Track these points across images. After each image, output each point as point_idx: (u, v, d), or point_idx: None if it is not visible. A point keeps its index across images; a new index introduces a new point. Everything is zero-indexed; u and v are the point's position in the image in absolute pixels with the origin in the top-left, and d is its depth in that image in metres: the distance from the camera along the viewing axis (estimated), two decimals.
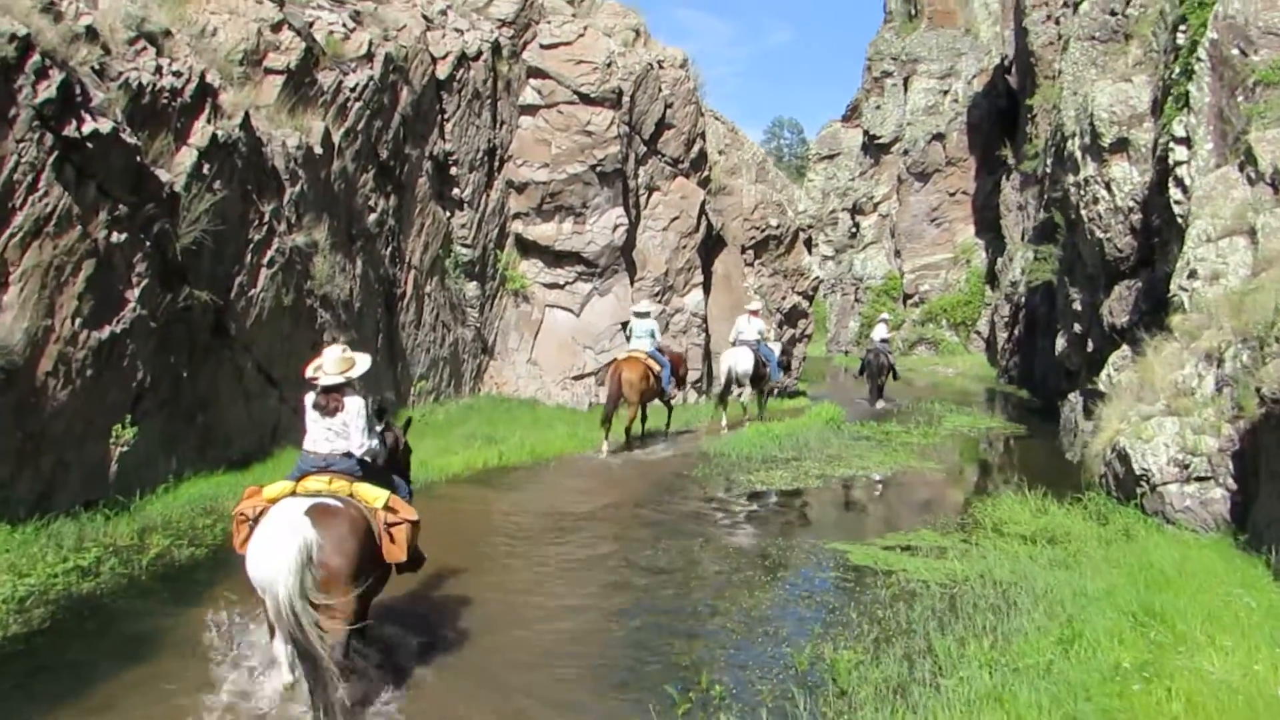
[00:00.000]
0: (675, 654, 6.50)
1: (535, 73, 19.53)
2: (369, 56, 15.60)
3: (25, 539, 8.02)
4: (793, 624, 7.15)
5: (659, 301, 20.61)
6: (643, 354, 15.65)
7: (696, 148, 21.61)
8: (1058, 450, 17.96)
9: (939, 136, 44.06)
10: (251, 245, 12.24)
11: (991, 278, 42.19)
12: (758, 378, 18.03)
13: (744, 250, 22.53)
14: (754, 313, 18.81)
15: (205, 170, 11.29)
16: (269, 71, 13.79)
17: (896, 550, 9.30)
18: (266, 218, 12.52)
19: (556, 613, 7.33)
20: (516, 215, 19.64)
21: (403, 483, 6.57)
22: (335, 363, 6.03)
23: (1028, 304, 31.82)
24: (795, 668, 6.17)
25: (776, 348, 19.58)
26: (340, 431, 5.87)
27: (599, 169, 19.17)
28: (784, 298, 22.97)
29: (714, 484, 12.84)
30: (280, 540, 5.01)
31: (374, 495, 5.76)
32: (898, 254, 45.71)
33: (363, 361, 6.26)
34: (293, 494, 5.63)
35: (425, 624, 6.63)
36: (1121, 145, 17.85)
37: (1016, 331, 33.21)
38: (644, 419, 16.34)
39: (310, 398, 6.03)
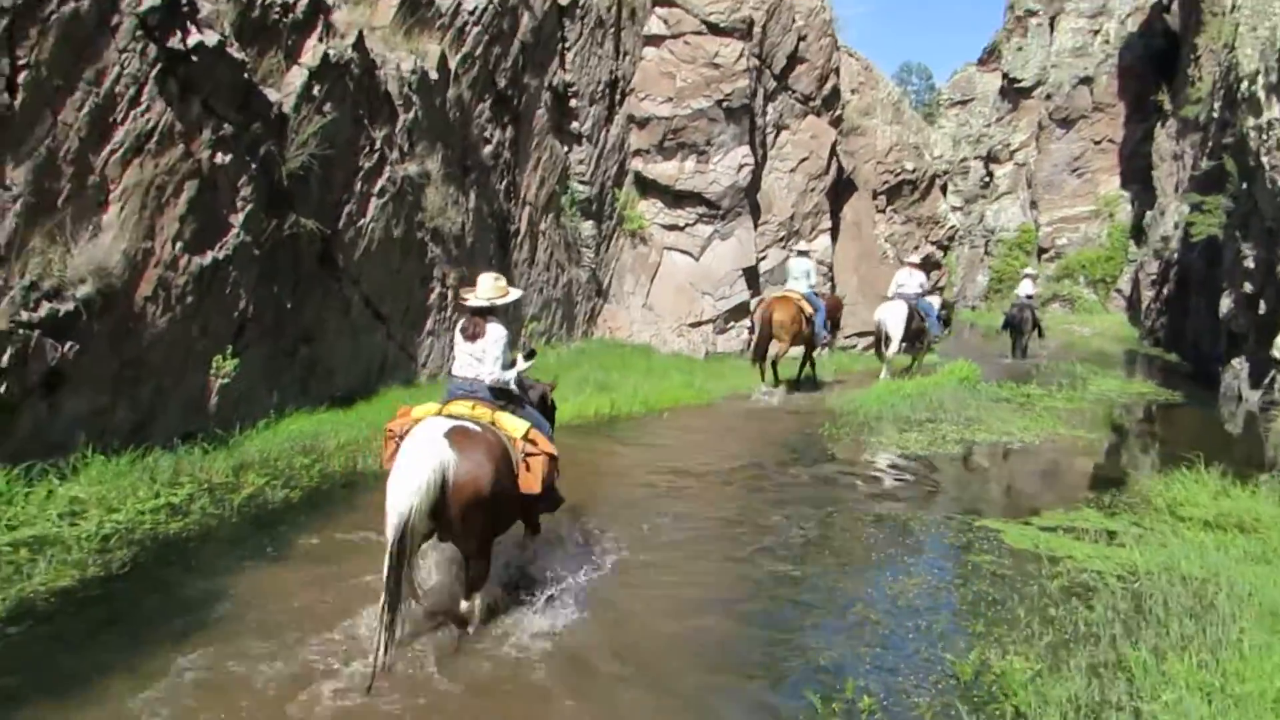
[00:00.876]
0: (812, 648, 5.62)
1: (662, 0, 18.44)
2: None
3: (119, 471, 7.61)
4: (947, 618, 6.18)
5: (783, 248, 19.50)
6: (797, 294, 15.13)
7: (830, 84, 20.26)
8: (1216, 420, 16.31)
9: (1086, 80, 41.13)
10: (361, 173, 11.64)
11: (1137, 233, 39.43)
12: (919, 333, 17.37)
13: (875, 195, 21.17)
14: (914, 265, 18.13)
15: (315, 91, 10.68)
16: None
17: (1058, 532, 8.18)
18: (378, 145, 11.90)
19: (675, 593, 6.51)
20: (637, 152, 18.71)
21: (546, 423, 6.47)
22: (488, 288, 5.98)
23: (1181, 261, 29.44)
24: (957, 676, 5.23)
25: (936, 301, 18.57)
26: (480, 357, 5.86)
27: (725, 104, 18.07)
28: (917, 247, 21.54)
29: (843, 444, 11.85)
30: (416, 458, 5.04)
31: (515, 425, 5.77)
32: (1034, 205, 43.17)
33: (514, 292, 6.30)
34: (437, 415, 5.66)
35: (520, 604, 5.85)
36: None
37: (1166, 291, 30.85)
38: (810, 362, 16.21)
39: (460, 323, 6.02)
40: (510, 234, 15.67)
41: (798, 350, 16.01)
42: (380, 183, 11.93)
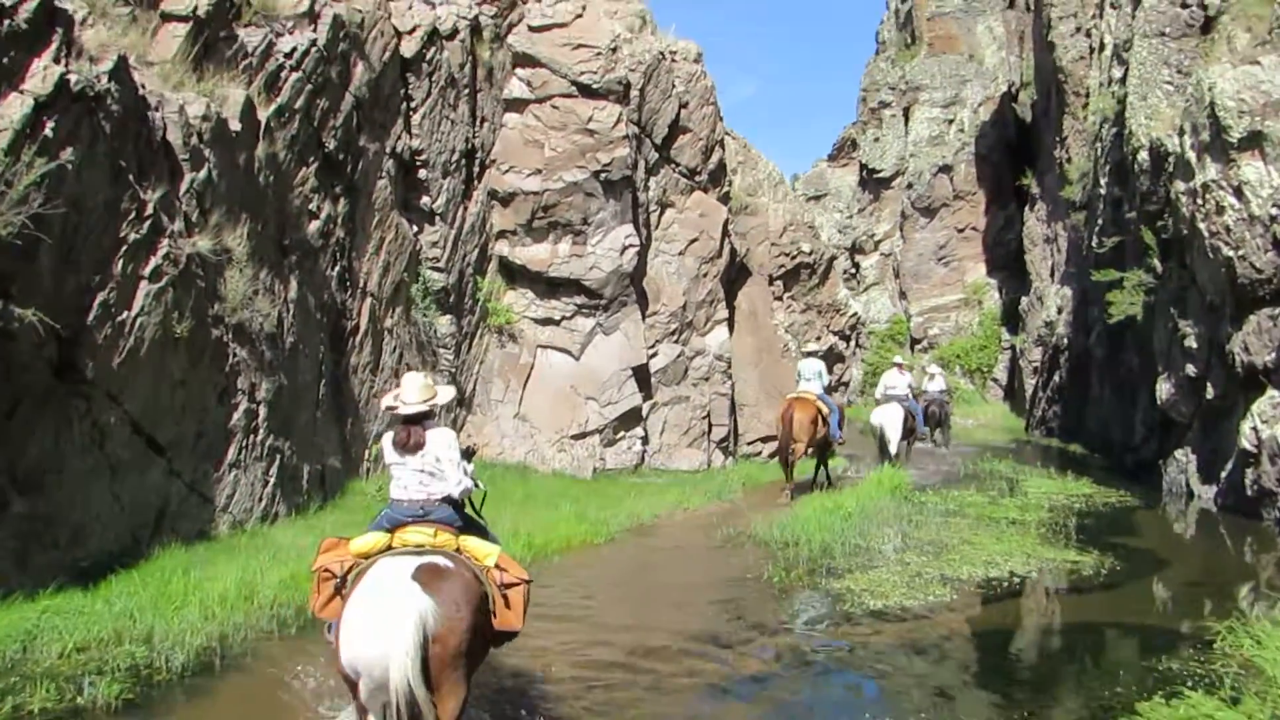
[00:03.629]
0: None
1: (524, 60, 15.84)
2: (312, 15, 11.82)
3: None
4: None
5: (676, 342, 16.77)
6: (812, 395, 14.83)
7: (715, 157, 17.96)
8: (1208, 530, 14.13)
9: (945, 169, 40.89)
10: (125, 248, 8.28)
11: (1008, 320, 38.86)
12: (910, 433, 17.58)
13: (772, 281, 18.83)
14: (899, 366, 18.43)
15: (48, 129, 7.38)
16: (168, 18, 9.94)
17: None
18: (150, 209, 8.58)
19: None
20: (501, 234, 15.78)
21: (496, 536, 5.57)
22: (417, 389, 5.15)
23: (1073, 347, 28.34)
24: None
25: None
26: (434, 471, 5.03)
27: (604, 176, 15.42)
28: (819, 337, 19.20)
29: (802, 598, 8.90)
30: (390, 611, 4.20)
31: (484, 551, 5.00)
32: (903, 295, 42.32)
33: (445, 392, 5.46)
34: (388, 548, 4.85)
35: None
36: (1254, 140, 14.37)
37: (1058, 378, 29.64)
38: (823, 465, 15.72)
39: (389, 437, 5.15)
40: (346, 331, 12.38)
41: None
42: (155, 261, 8.58)
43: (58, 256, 7.53)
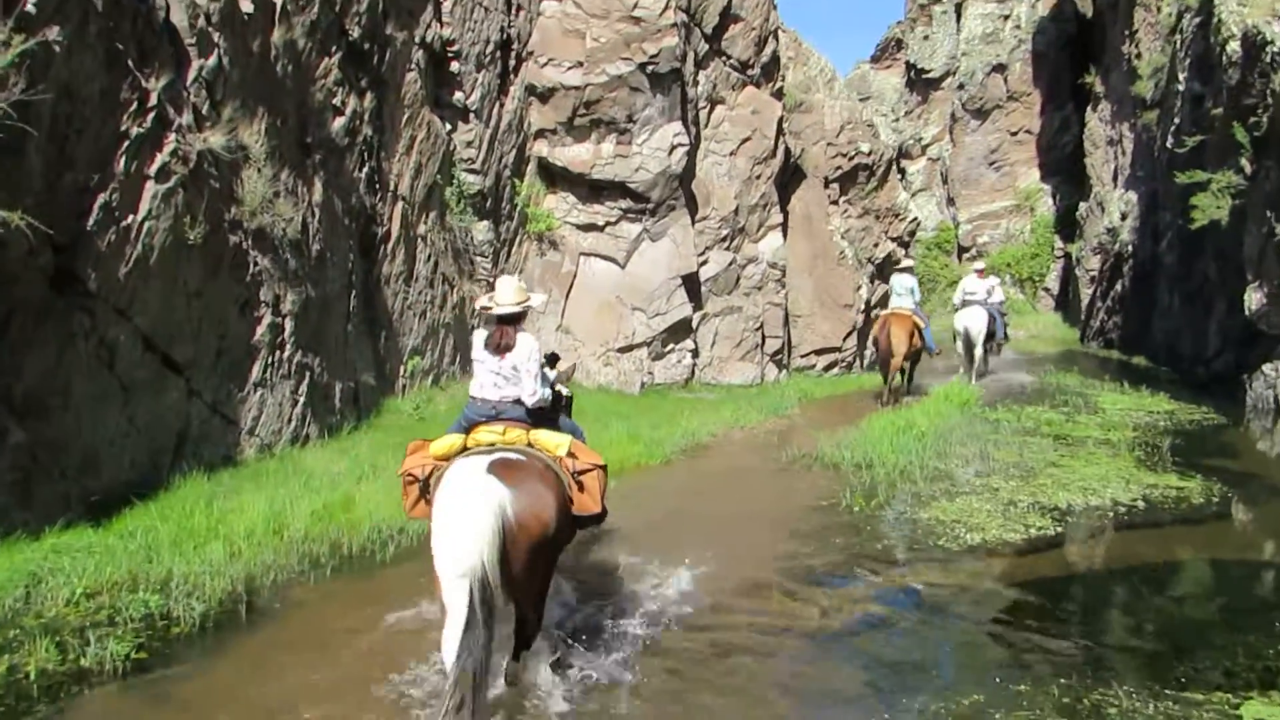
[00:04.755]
0: None
1: None
2: None
3: None
4: None
5: (727, 249, 15.72)
6: (908, 310, 15.15)
7: (769, 50, 16.62)
8: None
9: (999, 68, 38.85)
10: (128, 144, 7.34)
11: (1062, 227, 37.22)
12: (988, 337, 17.43)
13: (827, 184, 17.61)
14: (979, 271, 18.09)
15: (29, 4, 6.39)
16: None
17: None
18: (154, 100, 7.61)
19: None
20: (540, 133, 14.67)
21: (578, 426, 5.79)
22: (512, 291, 5.18)
23: (1138, 255, 26.88)
24: None
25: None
26: (510, 376, 5.11)
27: (650, 68, 14.20)
28: (876, 244, 18.08)
29: (886, 531, 8.01)
30: (468, 507, 4.30)
31: (554, 442, 5.09)
32: (951, 202, 40.72)
33: (537, 297, 5.48)
34: (464, 450, 4.97)
35: None
36: None
37: (1120, 288, 28.23)
38: (909, 378, 15.92)
39: (480, 335, 5.19)
40: (378, 239, 11.45)
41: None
42: (161, 159, 7.64)
43: (50, 153, 6.62)
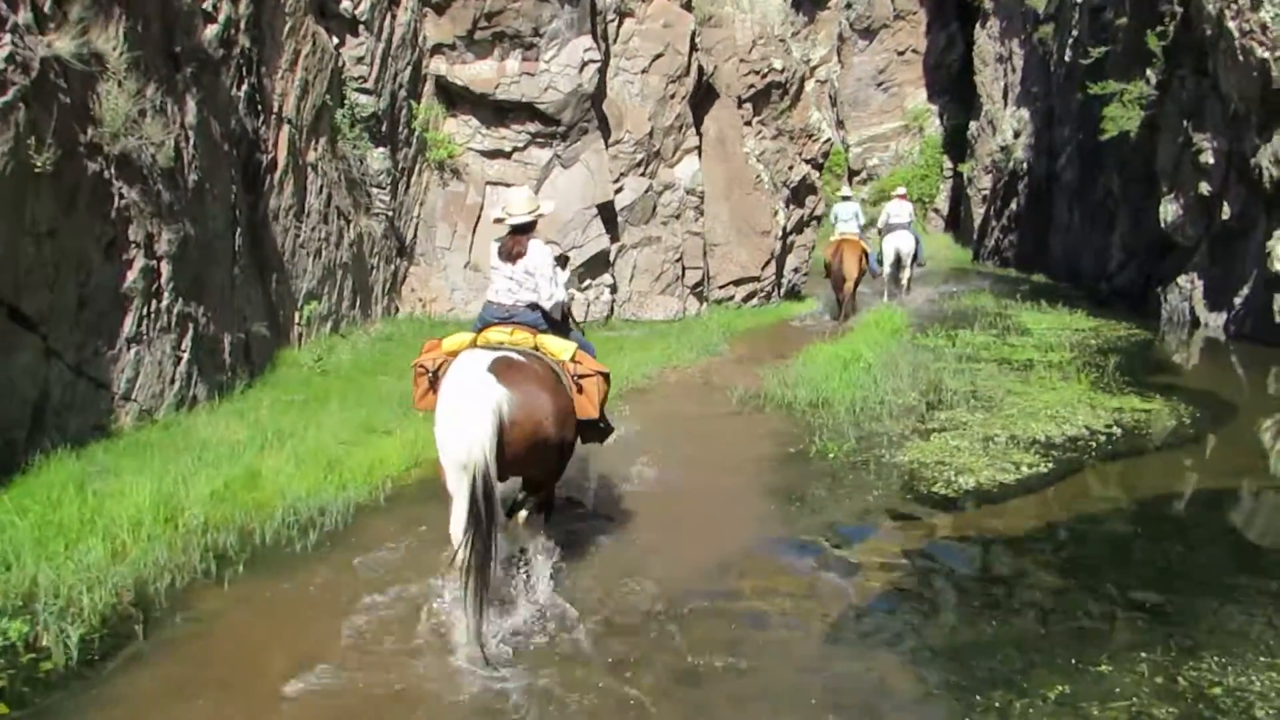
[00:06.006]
0: None
1: None
2: None
3: None
4: None
5: (643, 175, 14.68)
6: (855, 235, 16.18)
7: None
8: (1253, 360, 12.82)
9: None
10: None
11: (950, 147, 37.30)
12: (912, 259, 18.25)
13: (740, 104, 16.64)
14: (901, 196, 18.91)
15: None
16: None
17: None
18: None
19: None
20: (437, 49, 13.24)
21: (589, 343, 5.79)
22: (524, 201, 5.43)
23: (1033, 172, 26.89)
24: None
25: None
26: (523, 281, 5.34)
27: None
28: (791, 167, 17.26)
29: (869, 481, 7.21)
30: (468, 400, 4.54)
31: (560, 347, 5.30)
32: (840, 125, 40.25)
33: (547, 204, 5.71)
34: (473, 345, 5.16)
35: None
36: None
37: (1014, 205, 28.30)
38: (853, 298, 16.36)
39: (495, 244, 5.50)
40: (262, 168, 10.00)
41: None
42: None
43: None
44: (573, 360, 5.23)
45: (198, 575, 5.26)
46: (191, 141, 8.40)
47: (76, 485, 5.96)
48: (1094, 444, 8.03)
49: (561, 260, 6.01)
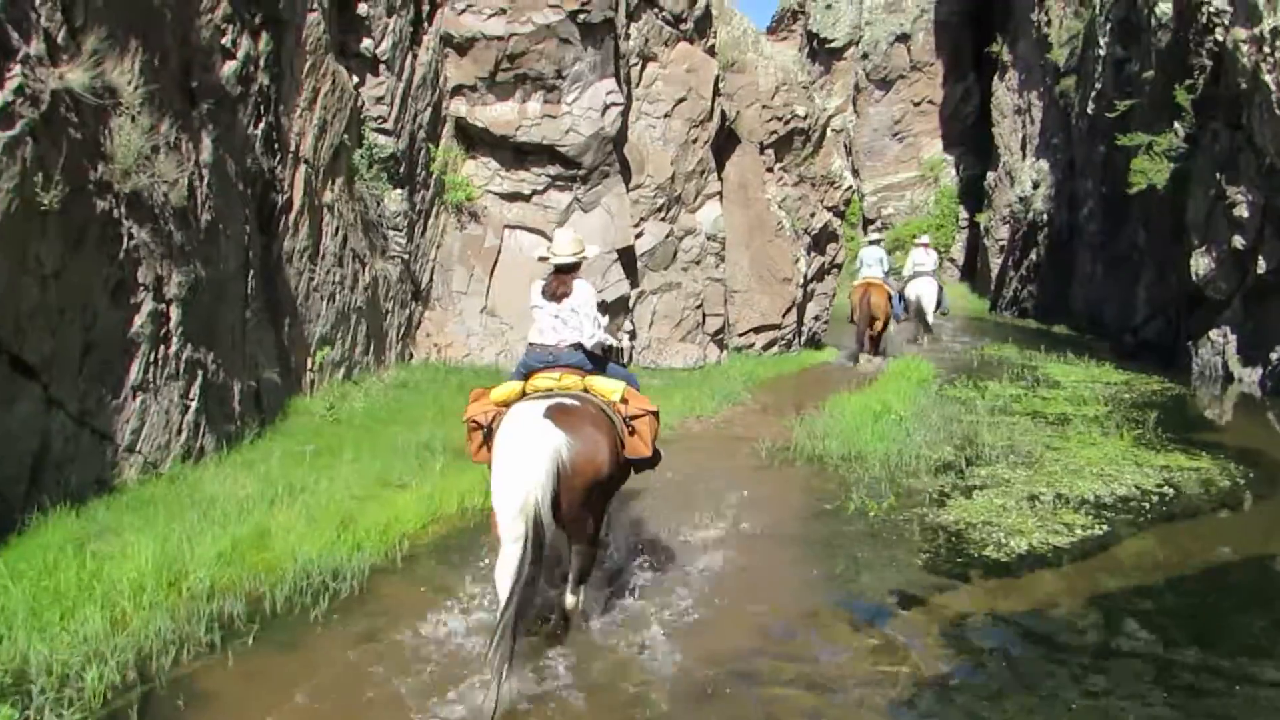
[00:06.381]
0: None
1: None
2: None
3: None
4: None
5: (664, 219, 14.39)
6: (880, 279, 16.38)
7: (701, 1, 15.27)
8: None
9: (903, 37, 38.54)
10: None
11: (965, 197, 37.17)
12: (935, 306, 18.85)
13: (763, 150, 16.40)
14: (925, 245, 19.78)
15: None
16: None
17: None
18: None
19: None
20: (458, 90, 13.02)
21: (631, 374, 5.92)
22: (569, 243, 5.57)
23: (1054, 223, 26.61)
24: None
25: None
26: (568, 320, 5.40)
27: (582, 17, 12.70)
28: (813, 214, 16.99)
29: (915, 542, 6.76)
30: (527, 449, 4.58)
31: (609, 388, 5.34)
32: (856, 174, 40.11)
33: (592, 248, 5.88)
34: (522, 395, 5.27)
35: None
36: None
37: (1033, 256, 27.98)
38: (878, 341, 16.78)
39: (538, 284, 5.56)
40: (277, 208, 9.70)
41: None
42: (2, 97, 5.85)
43: None
44: (622, 400, 5.28)
45: (202, 648, 4.83)
46: (205, 180, 8.10)
47: (75, 546, 5.60)
48: (1147, 504, 7.61)
49: (600, 306, 5.95)
